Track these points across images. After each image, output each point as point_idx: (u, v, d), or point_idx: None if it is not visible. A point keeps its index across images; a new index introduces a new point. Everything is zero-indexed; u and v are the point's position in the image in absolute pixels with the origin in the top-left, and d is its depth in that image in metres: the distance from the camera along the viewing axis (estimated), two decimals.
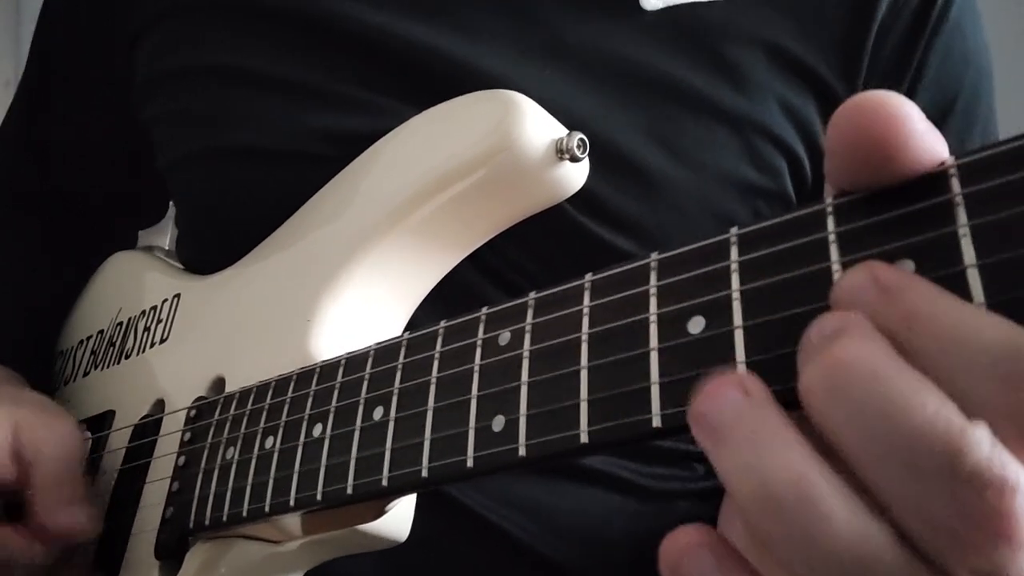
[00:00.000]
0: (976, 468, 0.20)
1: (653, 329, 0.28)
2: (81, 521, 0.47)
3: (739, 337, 0.26)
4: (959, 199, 0.23)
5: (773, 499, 0.21)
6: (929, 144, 0.23)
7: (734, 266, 0.27)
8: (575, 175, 0.43)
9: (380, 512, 0.40)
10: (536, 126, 0.42)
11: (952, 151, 0.24)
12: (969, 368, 0.21)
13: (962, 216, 0.23)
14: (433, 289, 0.47)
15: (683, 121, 0.47)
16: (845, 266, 0.25)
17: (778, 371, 0.25)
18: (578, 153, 0.42)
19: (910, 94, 0.50)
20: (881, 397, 0.21)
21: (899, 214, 0.24)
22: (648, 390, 0.28)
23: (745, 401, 0.23)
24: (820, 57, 0.49)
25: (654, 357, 0.28)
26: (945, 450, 0.20)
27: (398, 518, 0.42)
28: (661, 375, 0.28)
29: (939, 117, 0.51)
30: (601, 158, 0.44)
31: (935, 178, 0.24)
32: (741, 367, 0.26)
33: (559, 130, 0.43)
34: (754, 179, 0.49)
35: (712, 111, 0.48)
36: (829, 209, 0.26)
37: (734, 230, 0.28)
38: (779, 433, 0.22)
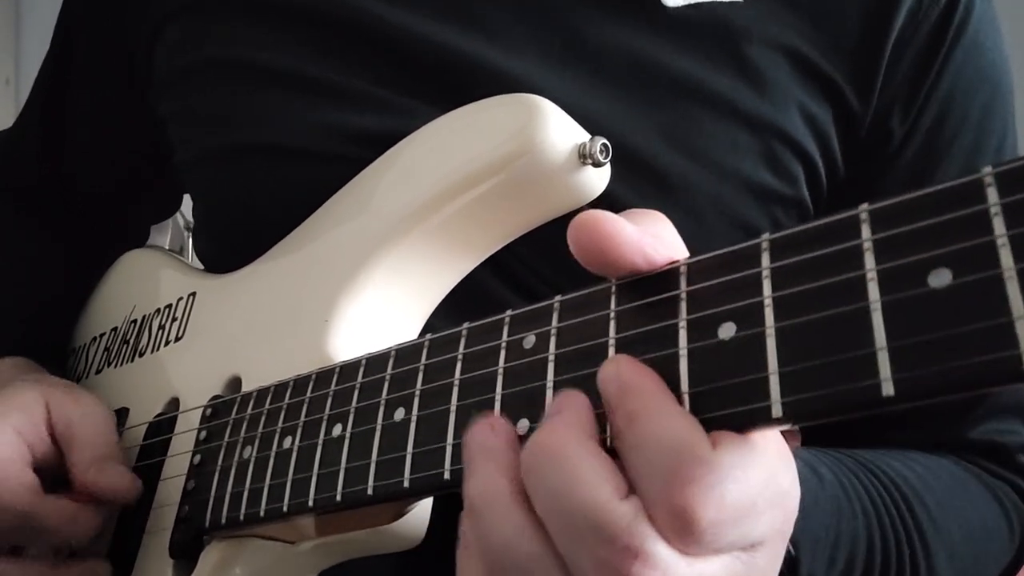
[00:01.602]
0: (613, 535, 0.26)
1: (682, 334, 0.28)
2: (123, 480, 0.48)
3: (771, 344, 0.26)
4: (996, 208, 0.23)
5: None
6: (637, 249, 0.30)
7: (765, 272, 0.27)
8: (597, 180, 0.43)
9: (398, 515, 0.40)
10: (559, 131, 0.42)
11: (990, 163, 0.24)
12: (649, 462, 0.27)
13: (1000, 225, 0.23)
14: (448, 293, 0.47)
15: (703, 123, 0.47)
16: (880, 274, 0.25)
17: (806, 382, 0.25)
18: (600, 158, 0.42)
19: (921, 108, 0.50)
20: (555, 476, 0.27)
21: (936, 222, 0.24)
22: (677, 392, 0.28)
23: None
24: (837, 68, 0.49)
25: (683, 363, 0.28)
26: (595, 519, 0.26)
27: (414, 520, 0.42)
28: (690, 381, 0.28)
29: (949, 132, 0.51)
30: (620, 160, 0.44)
31: (973, 187, 0.24)
32: (774, 376, 0.26)
33: (582, 135, 0.43)
34: (772, 184, 0.48)
35: (733, 113, 0.47)
36: (864, 215, 0.26)
37: (765, 235, 0.28)
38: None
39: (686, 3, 0.48)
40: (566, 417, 0.29)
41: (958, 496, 0.48)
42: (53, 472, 0.49)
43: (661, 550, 0.26)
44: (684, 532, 0.26)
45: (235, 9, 0.53)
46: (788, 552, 0.36)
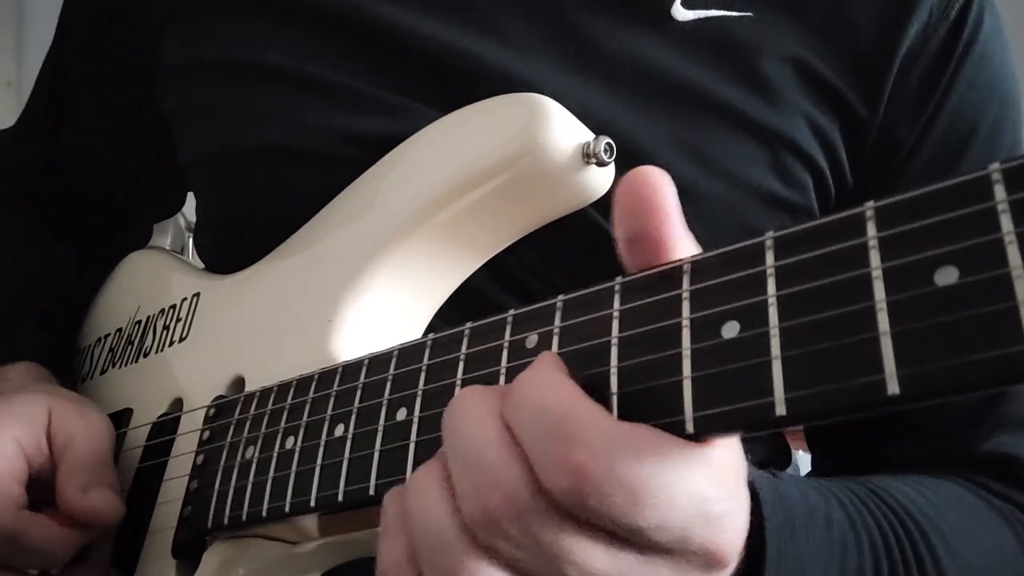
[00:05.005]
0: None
1: (686, 333, 0.28)
2: (105, 504, 0.47)
3: (775, 343, 0.26)
4: (1004, 205, 0.23)
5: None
6: (669, 228, 0.30)
7: (770, 271, 0.27)
8: (601, 179, 0.43)
9: None
10: (563, 130, 0.42)
11: (998, 160, 0.24)
12: (534, 430, 0.27)
13: (1007, 223, 0.23)
14: (449, 297, 0.47)
15: (713, 132, 0.47)
16: (886, 272, 0.24)
17: (811, 380, 0.25)
18: (604, 157, 0.42)
19: (930, 121, 0.50)
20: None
21: (943, 219, 0.24)
22: (680, 389, 0.27)
23: None
24: (845, 80, 0.49)
25: (687, 362, 0.28)
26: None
27: None
28: (694, 379, 0.27)
29: (958, 145, 0.51)
30: (629, 164, 0.43)
31: (980, 184, 0.23)
32: (778, 374, 0.25)
33: (586, 134, 0.43)
34: (782, 193, 0.48)
35: (742, 123, 0.48)
36: (869, 213, 0.25)
37: (770, 234, 0.27)
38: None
39: (696, 16, 0.48)
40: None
41: (972, 523, 0.47)
42: (47, 484, 0.48)
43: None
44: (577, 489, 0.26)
45: (241, 7, 0.53)
46: None
